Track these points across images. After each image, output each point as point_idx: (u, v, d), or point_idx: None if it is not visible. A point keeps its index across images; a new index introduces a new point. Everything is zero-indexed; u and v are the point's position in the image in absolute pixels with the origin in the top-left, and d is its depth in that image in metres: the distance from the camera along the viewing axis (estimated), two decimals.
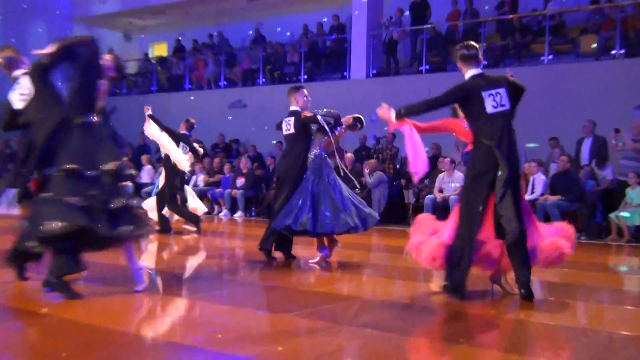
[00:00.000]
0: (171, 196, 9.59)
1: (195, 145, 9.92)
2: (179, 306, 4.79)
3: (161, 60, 19.68)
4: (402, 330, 4.02)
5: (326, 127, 6.56)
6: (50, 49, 4.72)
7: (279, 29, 18.16)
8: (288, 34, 18.04)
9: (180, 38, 19.56)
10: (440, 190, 11.10)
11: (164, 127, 9.28)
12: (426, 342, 3.79)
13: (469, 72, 5.08)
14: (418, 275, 6.71)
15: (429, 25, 14.55)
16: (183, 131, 9.72)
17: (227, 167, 14.24)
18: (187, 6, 18.38)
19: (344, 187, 6.64)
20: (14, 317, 4.30)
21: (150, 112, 9.29)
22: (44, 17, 20.51)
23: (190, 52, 18.90)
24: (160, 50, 21.06)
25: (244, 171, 13.72)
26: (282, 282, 5.86)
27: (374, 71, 14.90)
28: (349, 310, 4.76)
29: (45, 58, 4.77)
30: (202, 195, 14.16)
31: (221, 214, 13.66)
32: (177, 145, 9.37)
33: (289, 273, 6.35)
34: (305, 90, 6.85)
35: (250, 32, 18.08)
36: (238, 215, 13.37)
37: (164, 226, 9.60)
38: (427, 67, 14.24)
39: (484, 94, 4.93)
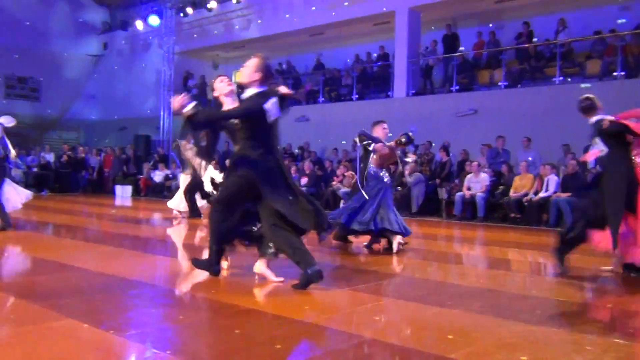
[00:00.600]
0: (196, 187, 9.12)
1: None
2: (259, 281, 4.77)
3: (242, 84, 19.88)
4: (437, 303, 3.92)
5: (358, 143, 6.48)
6: (286, 90, 4.52)
7: (335, 57, 18.14)
8: (348, 60, 17.94)
9: None
10: (468, 188, 10.86)
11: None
12: (458, 313, 3.68)
13: (590, 121, 5.04)
14: (450, 257, 6.57)
15: (458, 53, 14.29)
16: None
17: (293, 169, 14.25)
18: (263, 41, 18.53)
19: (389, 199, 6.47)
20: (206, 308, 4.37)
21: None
22: (144, 52, 21.05)
23: None
24: (241, 76, 21.28)
25: (307, 172, 13.71)
26: (340, 263, 5.82)
27: (413, 91, 14.71)
28: (393, 286, 4.68)
29: (285, 93, 4.47)
30: None
31: None
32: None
33: (346, 255, 6.30)
34: (384, 124, 6.63)
35: (313, 60, 18.10)
36: None
37: (195, 212, 9.45)
38: (457, 87, 13.97)
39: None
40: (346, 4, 15.58)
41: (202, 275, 4.66)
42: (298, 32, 17.28)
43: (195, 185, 9.18)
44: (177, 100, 4.16)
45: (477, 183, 10.80)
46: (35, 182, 16.95)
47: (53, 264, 5.22)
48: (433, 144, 12.87)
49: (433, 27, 15.61)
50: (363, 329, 3.29)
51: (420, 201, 11.61)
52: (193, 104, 4.19)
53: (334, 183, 13.22)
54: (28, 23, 20.34)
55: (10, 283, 4.53)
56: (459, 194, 10.93)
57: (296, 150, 16.01)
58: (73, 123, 22.07)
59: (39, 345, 2.89)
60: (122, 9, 22.08)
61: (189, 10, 18.46)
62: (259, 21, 17.86)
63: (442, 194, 11.72)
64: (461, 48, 14.65)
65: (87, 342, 2.96)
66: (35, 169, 17.45)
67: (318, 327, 3.31)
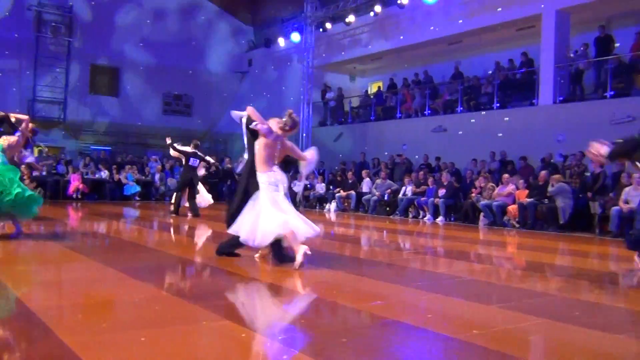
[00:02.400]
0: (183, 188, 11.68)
1: (208, 158, 12.08)
2: (389, 291, 4.75)
3: (378, 95, 20.04)
4: (593, 326, 3.62)
5: None
6: None
7: (474, 65, 17.59)
8: (488, 69, 17.39)
9: (393, 77, 19.77)
10: (626, 202, 9.94)
11: (179, 150, 11.49)
12: (622, 339, 3.37)
13: None
14: (604, 277, 6.05)
15: (613, 56, 13.19)
16: (192, 149, 11.64)
17: (430, 180, 14.06)
18: (399, 52, 18.57)
19: None
20: None
21: (170, 141, 11.58)
22: (285, 68, 21.97)
23: (401, 88, 19.02)
24: (376, 87, 21.48)
25: (445, 183, 13.45)
26: (483, 277, 5.60)
27: (561, 97, 13.82)
28: (540, 305, 4.40)
29: None
30: (409, 203, 14.13)
31: (425, 218, 13.50)
32: (188, 160, 11.45)
33: (487, 269, 6.06)
34: None
35: (451, 69, 17.72)
36: (440, 219, 13.12)
37: (195, 211, 11.43)
38: (612, 93, 12.89)
39: None
40: (499, 9, 14.99)
41: (345, 285, 4.74)
42: (435, 42, 17.07)
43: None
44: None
45: (636, 197, 9.84)
46: None
47: (209, 267, 5.61)
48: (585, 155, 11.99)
49: (584, 29, 14.57)
50: (517, 350, 3.13)
51: (567, 214, 10.87)
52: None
53: (472, 195, 12.82)
54: (184, 45, 22.25)
55: (173, 284, 4.94)
56: (615, 208, 10.05)
57: (433, 161, 15.79)
58: (220, 136, 23.67)
59: (200, 343, 3.12)
60: (266, 28, 23.39)
61: (328, 25, 19.01)
62: (397, 32, 17.89)
63: (595, 208, 10.84)
64: (616, 50, 13.53)
65: (241, 342, 3.15)
66: None
67: (466, 344, 3.21)
